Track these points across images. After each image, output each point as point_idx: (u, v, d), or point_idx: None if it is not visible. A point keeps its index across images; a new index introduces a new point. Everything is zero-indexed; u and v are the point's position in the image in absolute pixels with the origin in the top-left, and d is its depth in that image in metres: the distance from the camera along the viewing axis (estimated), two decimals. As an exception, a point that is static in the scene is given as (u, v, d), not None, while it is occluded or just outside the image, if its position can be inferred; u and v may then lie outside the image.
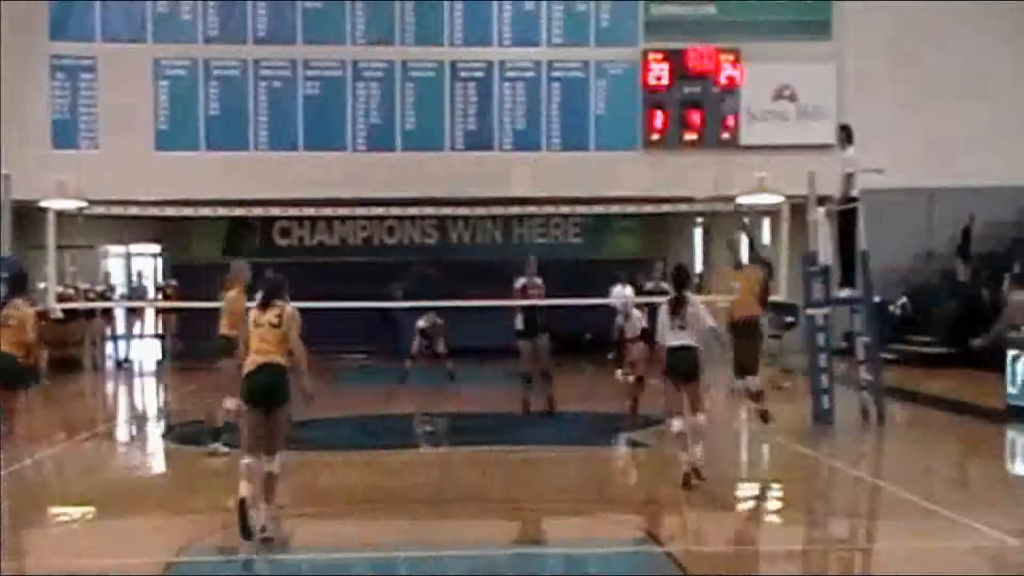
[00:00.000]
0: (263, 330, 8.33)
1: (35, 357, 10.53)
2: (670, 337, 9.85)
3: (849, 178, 13.25)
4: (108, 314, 22.72)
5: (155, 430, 15.45)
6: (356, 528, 9.08)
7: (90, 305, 21.10)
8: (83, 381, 20.75)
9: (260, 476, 8.23)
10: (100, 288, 23.56)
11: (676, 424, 9.86)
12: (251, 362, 8.32)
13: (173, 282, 23.98)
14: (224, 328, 11.21)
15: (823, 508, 9.86)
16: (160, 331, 25.48)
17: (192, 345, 20.19)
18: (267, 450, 8.22)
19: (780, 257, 14.32)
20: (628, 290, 14.58)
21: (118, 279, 26.63)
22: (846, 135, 13.69)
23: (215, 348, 11.39)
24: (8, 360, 10.37)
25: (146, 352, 24.65)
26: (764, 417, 12.59)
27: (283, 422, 8.38)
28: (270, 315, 8.37)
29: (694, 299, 10.11)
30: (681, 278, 10.12)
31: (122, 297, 24.86)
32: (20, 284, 11.12)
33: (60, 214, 14.33)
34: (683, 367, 9.83)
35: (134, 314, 24.60)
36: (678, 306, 9.89)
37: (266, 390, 8.24)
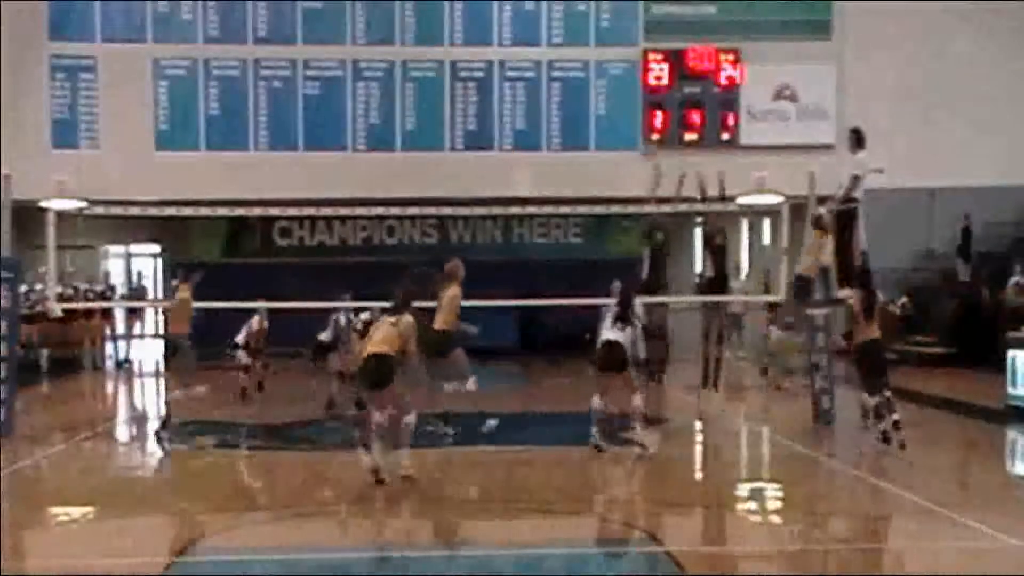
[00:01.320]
0: (384, 327, 10.30)
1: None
2: (607, 333, 11.75)
3: (856, 180, 13.12)
4: (108, 314, 22.72)
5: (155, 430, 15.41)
6: (356, 528, 9.09)
7: (90, 305, 21.09)
8: (83, 381, 20.74)
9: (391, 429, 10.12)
10: (100, 288, 23.54)
11: (595, 401, 11.76)
12: (367, 352, 10.26)
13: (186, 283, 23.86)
14: (440, 323, 12.39)
15: (823, 508, 9.85)
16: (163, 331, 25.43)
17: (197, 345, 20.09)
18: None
19: (780, 257, 14.29)
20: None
21: (118, 279, 26.62)
22: (857, 139, 13.45)
23: (433, 342, 12.24)
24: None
25: (146, 352, 24.62)
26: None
27: (388, 396, 10.17)
28: (391, 318, 10.37)
29: (636, 322, 12.03)
30: (624, 300, 12.00)
31: (122, 297, 24.85)
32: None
33: (60, 214, 14.34)
34: (611, 357, 11.64)
35: (134, 314, 24.58)
36: (622, 315, 11.81)
37: (371, 376, 10.14)
